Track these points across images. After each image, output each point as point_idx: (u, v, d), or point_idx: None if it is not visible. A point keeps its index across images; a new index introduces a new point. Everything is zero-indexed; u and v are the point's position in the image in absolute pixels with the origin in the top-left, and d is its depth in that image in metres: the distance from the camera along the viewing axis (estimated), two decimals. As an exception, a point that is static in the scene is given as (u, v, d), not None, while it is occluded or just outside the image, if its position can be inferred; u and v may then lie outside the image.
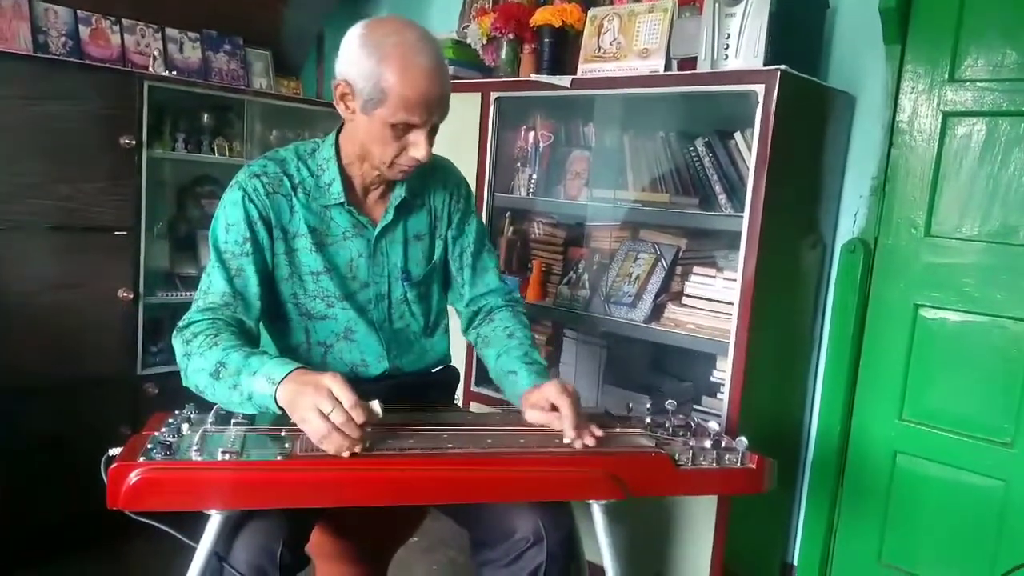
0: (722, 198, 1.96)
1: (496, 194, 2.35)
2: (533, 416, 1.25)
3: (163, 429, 1.10)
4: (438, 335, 1.52)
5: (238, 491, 1.03)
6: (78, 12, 2.34)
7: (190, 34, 2.59)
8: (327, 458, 1.05)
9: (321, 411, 1.02)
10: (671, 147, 2.11)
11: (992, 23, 1.81)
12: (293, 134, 2.78)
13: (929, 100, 1.91)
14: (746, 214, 1.78)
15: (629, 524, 1.85)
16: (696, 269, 2.02)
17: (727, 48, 1.84)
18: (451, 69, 1.87)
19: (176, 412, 1.16)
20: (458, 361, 1.68)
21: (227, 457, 1.02)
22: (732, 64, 1.83)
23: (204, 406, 1.18)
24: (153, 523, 1.04)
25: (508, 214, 2.48)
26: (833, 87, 2.02)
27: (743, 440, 1.19)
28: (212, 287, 1.26)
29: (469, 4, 2.69)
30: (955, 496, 1.91)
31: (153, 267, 2.39)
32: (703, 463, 1.16)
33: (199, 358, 1.15)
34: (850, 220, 2.08)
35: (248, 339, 1.23)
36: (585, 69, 2.13)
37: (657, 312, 2.07)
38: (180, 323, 1.23)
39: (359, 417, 1.04)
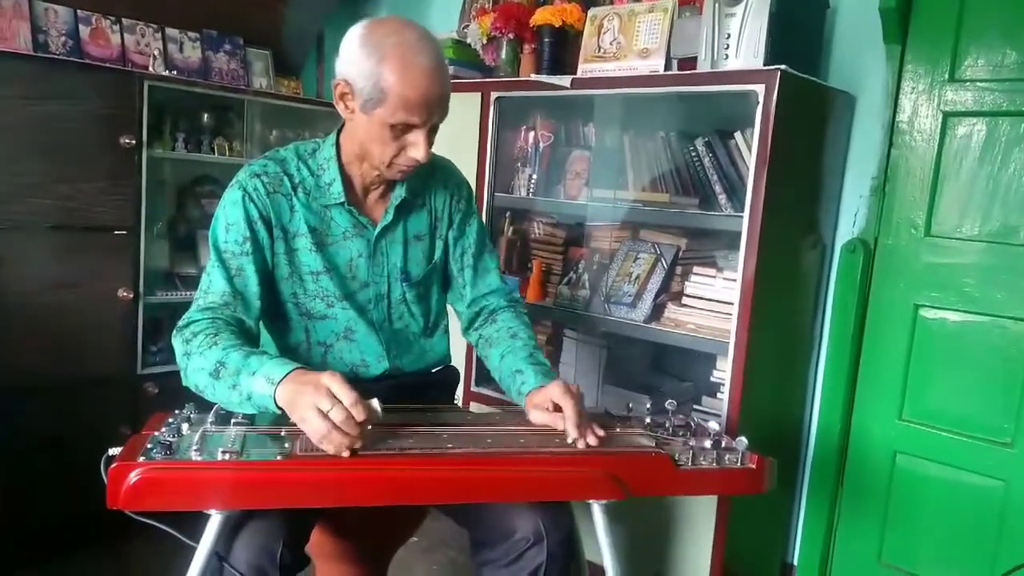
0: (722, 198, 1.96)
1: (496, 194, 2.35)
2: (537, 416, 1.25)
3: (163, 429, 1.10)
4: (438, 335, 1.52)
5: (238, 491, 1.03)
6: (78, 12, 2.34)
7: (190, 34, 2.59)
8: (327, 458, 1.05)
9: (321, 410, 1.02)
10: (671, 147, 2.11)
11: (992, 23, 1.81)
12: (293, 134, 2.78)
13: (929, 100, 1.91)
14: (746, 214, 1.78)
15: (629, 524, 1.85)
16: (696, 269, 2.02)
17: (727, 48, 1.84)
18: (451, 69, 1.88)
19: (176, 412, 1.16)
20: (458, 361, 1.68)
21: (227, 457, 1.02)
22: (732, 64, 1.83)
23: (204, 406, 1.18)
24: (153, 523, 1.04)
25: (508, 214, 2.48)
26: (833, 87, 2.01)
27: (743, 440, 1.19)
28: (212, 286, 1.26)
29: (469, 4, 2.69)
30: (955, 496, 1.91)
31: (153, 267, 2.39)
32: (703, 463, 1.16)
33: (199, 357, 1.15)
34: (850, 220, 2.08)
35: (248, 339, 1.23)
36: (585, 69, 2.13)
37: (657, 312, 2.07)
38: (180, 322, 1.23)
39: (359, 415, 1.04)
